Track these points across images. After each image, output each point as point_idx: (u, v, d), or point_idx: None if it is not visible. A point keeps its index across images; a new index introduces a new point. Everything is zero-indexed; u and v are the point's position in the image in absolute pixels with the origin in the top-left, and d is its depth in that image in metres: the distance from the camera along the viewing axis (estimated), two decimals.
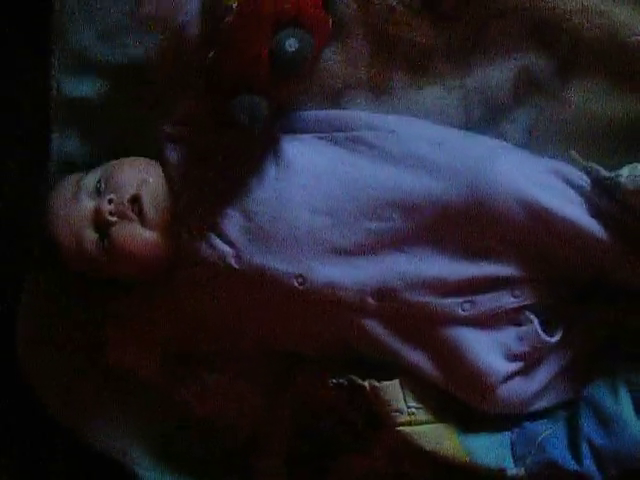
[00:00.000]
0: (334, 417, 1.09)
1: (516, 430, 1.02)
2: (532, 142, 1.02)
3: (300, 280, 0.99)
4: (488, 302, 0.98)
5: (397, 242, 0.99)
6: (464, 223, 0.96)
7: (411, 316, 0.99)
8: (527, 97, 1.02)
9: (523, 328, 0.99)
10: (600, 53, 0.97)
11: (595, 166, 0.94)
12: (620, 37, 0.96)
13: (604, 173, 0.93)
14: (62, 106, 1.16)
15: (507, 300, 0.98)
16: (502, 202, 0.94)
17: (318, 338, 1.05)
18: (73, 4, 1.12)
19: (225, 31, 0.96)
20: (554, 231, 0.94)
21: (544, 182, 0.96)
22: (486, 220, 0.95)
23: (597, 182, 0.94)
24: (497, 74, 1.02)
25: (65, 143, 1.17)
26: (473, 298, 0.98)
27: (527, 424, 1.02)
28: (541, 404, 1.02)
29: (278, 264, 1.00)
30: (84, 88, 1.15)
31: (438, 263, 0.98)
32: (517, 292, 0.98)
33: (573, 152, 0.97)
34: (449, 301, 0.98)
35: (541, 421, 1.02)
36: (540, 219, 0.94)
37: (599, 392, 0.99)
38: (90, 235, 1.03)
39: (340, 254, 0.99)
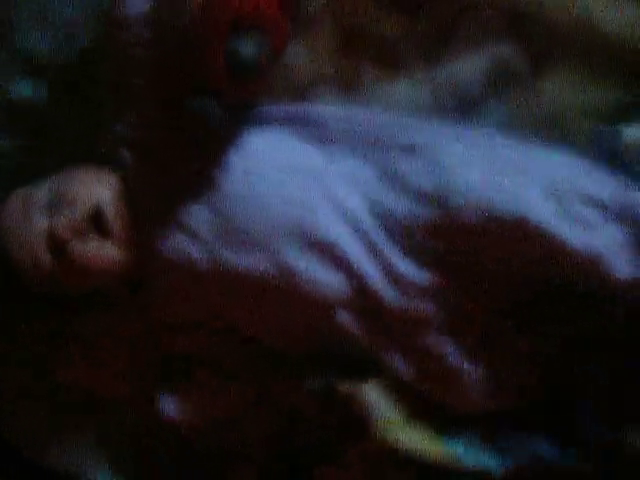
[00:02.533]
0: (309, 423, 1.06)
1: (500, 428, 1.01)
2: (505, 134, 1.00)
3: (276, 275, 0.96)
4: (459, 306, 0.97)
5: (374, 242, 0.97)
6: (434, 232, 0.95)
7: (387, 314, 0.97)
8: (500, 89, 1.01)
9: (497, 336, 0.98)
10: (574, 43, 0.98)
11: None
12: (595, 27, 0.96)
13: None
14: (2, 109, 1.09)
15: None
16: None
17: (294, 333, 1.02)
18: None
19: (182, 31, 0.93)
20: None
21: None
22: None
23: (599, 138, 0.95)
24: (469, 66, 1.02)
25: (6, 148, 1.10)
26: (445, 302, 0.97)
27: (509, 420, 1.01)
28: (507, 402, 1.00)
29: (252, 259, 0.97)
30: (26, 89, 1.09)
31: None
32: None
33: (570, 112, 0.97)
34: (423, 304, 0.97)
35: (524, 418, 1.00)
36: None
37: None
38: (46, 254, 0.97)
39: (316, 248, 0.97)
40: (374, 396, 1.00)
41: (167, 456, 1.12)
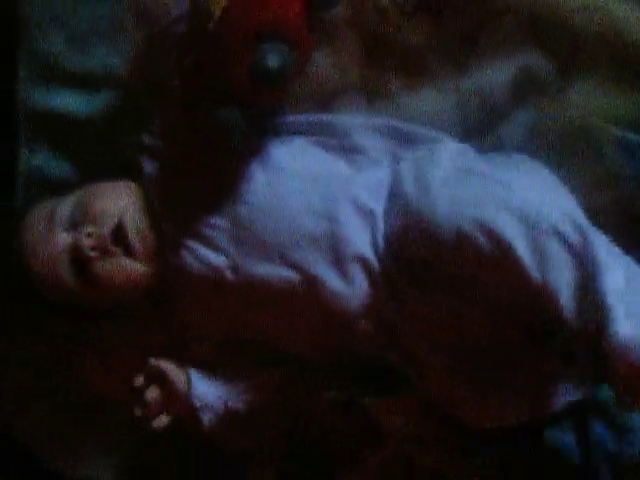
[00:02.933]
0: (329, 431, 1.07)
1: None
2: (531, 143, 1.00)
3: (304, 287, 0.96)
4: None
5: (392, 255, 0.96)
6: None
7: (413, 326, 0.96)
8: (526, 98, 1.00)
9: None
10: (601, 51, 0.96)
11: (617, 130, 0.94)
12: (620, 34, 0.95)
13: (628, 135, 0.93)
14: (30, 118, 1.10)
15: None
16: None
17: (316, 343, 1.01)
18: (40, 8, 1.07)
19: (206, 39, 0.92)
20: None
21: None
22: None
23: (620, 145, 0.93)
24: (495, 75, 1.00)
25: (34, 158, 1.11)
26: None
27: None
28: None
29: (278, 272, 0.96)
30: (54, 99, 1.09)
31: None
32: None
33: (597, 119, 0.95)
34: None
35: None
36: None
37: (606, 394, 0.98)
38: (69, 272, 0.98)
39: (342, 260, 0.95)
40: (396, 408, 1.00)
41: (185, 457, 1.12)
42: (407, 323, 0.96)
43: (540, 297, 0.86)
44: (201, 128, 0.96)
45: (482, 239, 0.86)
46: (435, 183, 0.92)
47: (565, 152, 0.98)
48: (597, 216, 0.92)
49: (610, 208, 0.98)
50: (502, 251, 0.85)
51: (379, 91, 1.02)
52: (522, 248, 0.84)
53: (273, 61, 0.88)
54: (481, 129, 1.01)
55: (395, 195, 0.96)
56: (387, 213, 0.96)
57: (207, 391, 1.01)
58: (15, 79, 1.09)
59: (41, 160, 1.11)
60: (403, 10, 0.99)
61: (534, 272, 0.84)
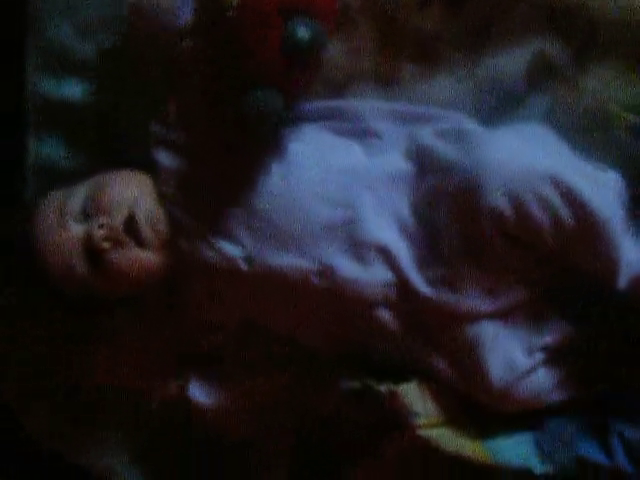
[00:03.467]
0: (341, 422, 1.06)
1: (540, 427, 0.99)
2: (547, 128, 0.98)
3: (320, 277, 0.95)
4: (510, 294, 0.95)
5: (417, 237, 0.95)
6: (467, 207, 0.91)
7: (431, 312, 0.96)
8: (542, 84, 0.99)
9: (545, 320, 0.96)
10: (617, 38, 0.95)
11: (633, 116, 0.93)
12: (638, 20, 0.94)
13: None
14: (39, 108, 1.09)
15: (527, 290, 0.95)
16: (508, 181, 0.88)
17: (332, 333, 1.01)
18: None
19: (229, 27, 0.90)
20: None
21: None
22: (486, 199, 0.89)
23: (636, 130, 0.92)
24: (510, 61, 0.99)
25: (44, 147, 1.10)
26: (495, 291, 0.94)
27: (551, 420, 0.99)
28: (562, 395, 0.99)
29: (295, 261, 0.95)
30: (64, 88, 1.09)
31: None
32: (536, 280, 0.95)
33: (613, 105, 0.94)
34: (471, 296, 0.94)
35: (565, 418, 0.99)
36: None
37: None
38: (82, 262, 0.97)
39: (360, 248, 0.95)
40: (413, 396, 0.99)
41: (187, 457, 1.12)
42: (432, 314, 0.96)
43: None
44: (227, 115, 0.95)
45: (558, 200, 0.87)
46: (483, 139, 0.92)
47: (580, 138, 0.97)
48: None
49: None
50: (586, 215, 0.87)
51: (393, 78, 1.01)
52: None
53: (303, 33, 0.86)
54: (496, 115, 1.00)
55: (428, 168, 0.95)
56: (415, 190, 0.95)
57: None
58: (23, 69, 1.08)
59: (50, 149, 1.10)
60: None
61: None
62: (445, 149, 0.95)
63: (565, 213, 0.88)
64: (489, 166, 0.88)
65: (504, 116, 1.00)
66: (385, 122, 1.00)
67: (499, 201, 0.88)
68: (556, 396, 0.98)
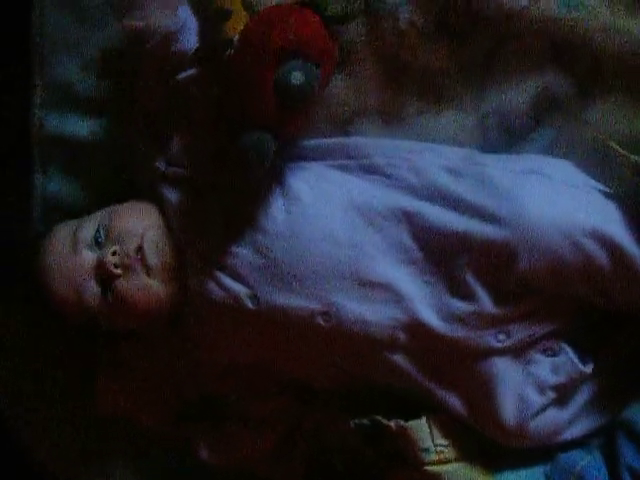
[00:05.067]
0: (350, 458, 1.06)
1: (550, 462, 0.99)
2: None
3: (325, 317, 0.94)
4: (523, 330, 0.95)
5: (427, 275, 0.95)
6: (497, 259, 0.92)
7: (443, 350, 0.95)
8: (546, 118, 0.99)
9: (558, 358, 0.96)
10: (621, 72, 0.96)
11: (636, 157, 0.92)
12: None
13: None
14: (45, 144, 1.09)
15: (541, 327, 0.95)
16: (546, 237, 0.90)
17: (340, 374, 1.00)
18: (54, 35, 1.06)
19: (226, 65, 0.91)
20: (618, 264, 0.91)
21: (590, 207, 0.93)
22: (522, 256, 0.91)
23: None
24: (515, 96, 0.99)
25: (49, 183, 1.10)
26: (508, 328, 0.94)
27: (561, 455, 0.99)
28: (574, 433, 0.98)
29: (299, 302, 0.94)
30: (70, 124, 1.09)
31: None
32: (550, 317, 0.95)
33: (613, 143, 0.94)
34: (484, 333, 0.94)
35: (575, 451, 0.99)
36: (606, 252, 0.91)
37: (635, 416, 0.97)
38: (92, 289, 0.97)
39: (367, 287, 0.94)
40: (423, 432, 0.99)
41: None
42: (443, 351, 0.95)
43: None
44: (226, 154, 0.95)
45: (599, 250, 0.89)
46: (505, 181, 0.93)
47: (585, 172, 0.97)
48: None
49: None
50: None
51: (397, 113, 1.01)
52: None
53: (297, 78, 0.87)
54: (501, 149, 1.01)
55: (439, 204, 0.94)
56: (423, 227, 0.95)
57: None
58: (29, 105, 1.08)
59: (56, 186, 1.10)
60: (422, 32, 0.98)
61: None
62: (457, 187, 0.94)
63: (605, 262, 0.90)
64: (526, 226, 0.90)
65: (509, 150, 1.01)
66: (390, 159, 0.99)
67: (536, 264, 0.90)
68: (569, 435, 0.98)
